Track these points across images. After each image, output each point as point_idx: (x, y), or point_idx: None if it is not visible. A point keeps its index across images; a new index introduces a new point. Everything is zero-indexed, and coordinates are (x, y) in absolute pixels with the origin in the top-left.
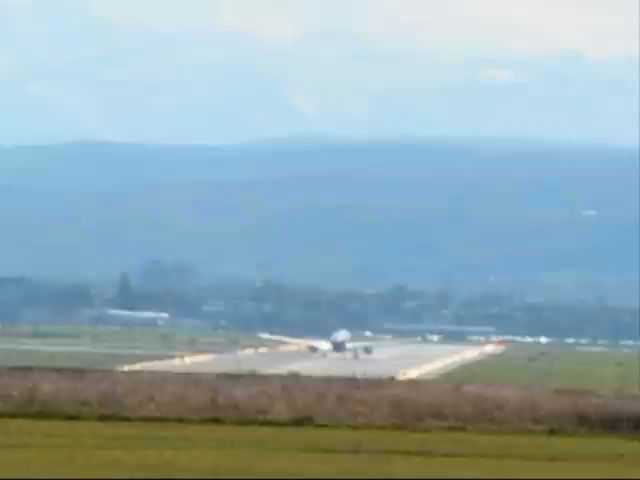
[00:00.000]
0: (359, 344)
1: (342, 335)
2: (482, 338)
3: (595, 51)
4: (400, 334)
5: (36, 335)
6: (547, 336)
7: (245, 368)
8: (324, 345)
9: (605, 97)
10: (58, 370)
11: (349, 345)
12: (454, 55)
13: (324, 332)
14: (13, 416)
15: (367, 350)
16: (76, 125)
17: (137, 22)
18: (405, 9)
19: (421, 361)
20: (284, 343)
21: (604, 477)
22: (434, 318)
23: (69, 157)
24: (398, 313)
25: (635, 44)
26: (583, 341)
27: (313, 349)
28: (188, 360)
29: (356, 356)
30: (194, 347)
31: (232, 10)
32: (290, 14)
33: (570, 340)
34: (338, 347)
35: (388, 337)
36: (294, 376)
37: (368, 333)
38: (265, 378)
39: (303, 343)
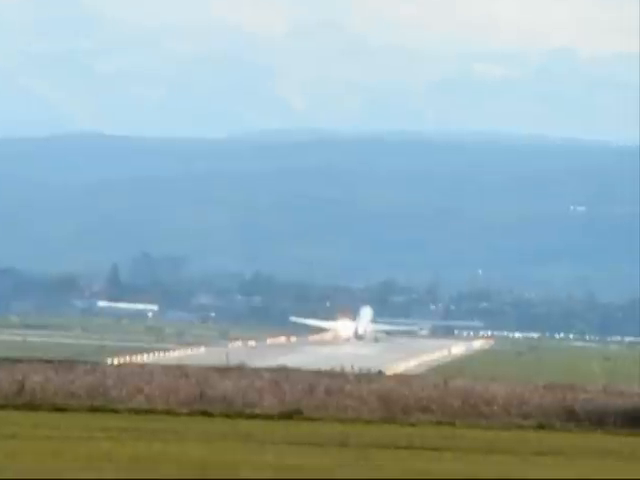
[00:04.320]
0: (380, 327)
1: (366, 314)
2: (471, 333)
3: (587, 47)
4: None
5: (25, 326)
6: (536, 331)
7: (234, 361)
8: (345, 331)
9: (596, 93)
10: (47, 362)
11: (369, 329)
12: (445, 50)
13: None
14: (2, 407)
15: (387, 334)
16: (65, 117)
17: (126, 14)
18: (396, 3)
19: (409, 355)
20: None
21: (592, 472)
22: (423, 313)
23: (58, 148)
24: (387, 307)
25: (626, 40)
26: (572, 336)
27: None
28: (177, 352)
29: (377, 340)
30: (183, 339)
31: (221, 2)
32: (279, 6)
33: (559, 335)
34: (358, 335)
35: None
36: (283, 369)
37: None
38: (254, 371)
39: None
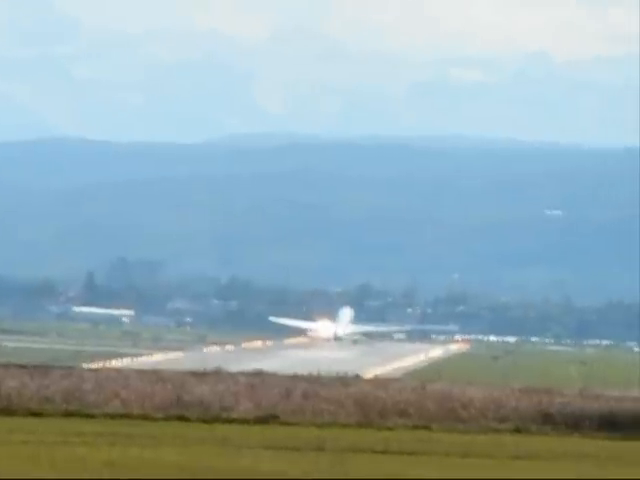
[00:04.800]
0: (360, 328)
1: (345, 314)
2: (447, 337)
3: (562, 51)
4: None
5: (1, 331)
6: (512, 335)
7: (210, 365)
8: (324, 331)
9: (572, 97)
10: (23, 366)
11: (348, 330)
12: (423, 55)
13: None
14: None
15: (365, 336)
16: (43, 122)
17: (106, 20)
18: (374, 8)
19: (386, 359)
20: (292, 328)
21: (568, 476)
22: (400, 317)
23: (36, 154)
24: (364, 311)
25: (602, 45)
26: (548, 340)
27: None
28: (153, 357)
29: (355, 342)
30: (159, 344)
31: (200, 8)
32: (258, 12)
33: (535, 339)
34: (337, 337)
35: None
36: (259, 374)
37: None
38: (230, 376)
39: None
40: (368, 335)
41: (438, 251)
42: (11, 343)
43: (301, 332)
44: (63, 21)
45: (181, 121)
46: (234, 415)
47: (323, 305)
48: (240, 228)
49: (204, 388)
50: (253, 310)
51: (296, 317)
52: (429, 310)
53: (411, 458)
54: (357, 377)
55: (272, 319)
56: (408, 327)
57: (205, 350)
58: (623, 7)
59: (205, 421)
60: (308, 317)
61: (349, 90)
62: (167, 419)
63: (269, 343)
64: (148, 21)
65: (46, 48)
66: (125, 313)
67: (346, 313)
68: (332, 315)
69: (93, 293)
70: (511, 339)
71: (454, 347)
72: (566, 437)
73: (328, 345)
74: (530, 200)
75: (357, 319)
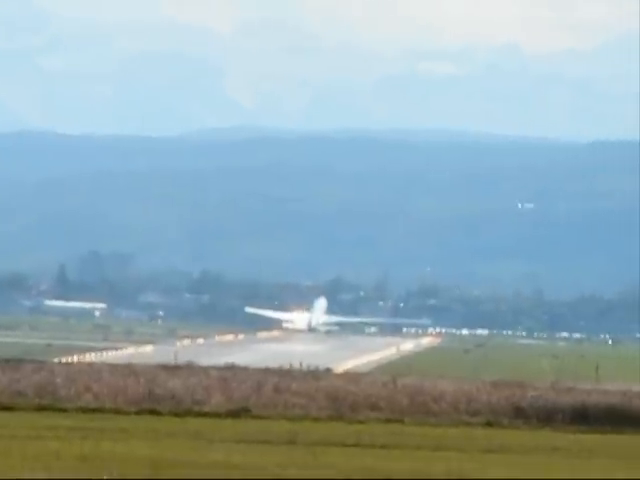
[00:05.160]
0: (334, 319)
1: (321, 304)
2: (419, 330)
3: (532, 44)
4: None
5: None
6: (484, 328)
7: (182, 359)
8: (299, 322)
9: (543, 90)
10: None
11: (323, 320)
12: (393, 48)
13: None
14: None
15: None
16: (13, 114)
17: (75, 12)
18: (343, 2)
19: (357, 353)
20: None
21: (540, 469)
22: (372, 310)
23: (7, 146)
24: (336, 304)
25: (571, 37)
26: (520, 333)
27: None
28: (125, 351)
29: (329, 332)
30: (131, 338)
31: (170, 1)
32: (228, 4)
33: (507, 332)
34: (312, 327)
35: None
36: (231, 367)
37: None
38: (202, 369)
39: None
40: (342, 326)
41: (410, 244)
42: None
43: (276, 323)
44: (33, 13)
45: (152, 114)
46: (206, 409)
47: (295, 298)
48: (212, 222)
49: (176, 382)
50: (225, 304)
51: (270, 309)
52: (401, 303)
53: (383, 451)
54: (329, 371)
55: (248, 309)
56: (381, 319)
57: (177, 344)
58: (593, 0)
59: (177, 415)
60: (282, 309)
61: (319, 83)
62: (139, 413)
63: (241, 337)
64: (119, 13)
65: (15, 40)
66: (97, 306)
67: (322, 303)
68: (307, 307)
69: (65, 286)
70: (483, 332)
71: (426, 340)
72: (538, 430)
73: (300, 338)
74: (502, 193)
75: (329, 312)
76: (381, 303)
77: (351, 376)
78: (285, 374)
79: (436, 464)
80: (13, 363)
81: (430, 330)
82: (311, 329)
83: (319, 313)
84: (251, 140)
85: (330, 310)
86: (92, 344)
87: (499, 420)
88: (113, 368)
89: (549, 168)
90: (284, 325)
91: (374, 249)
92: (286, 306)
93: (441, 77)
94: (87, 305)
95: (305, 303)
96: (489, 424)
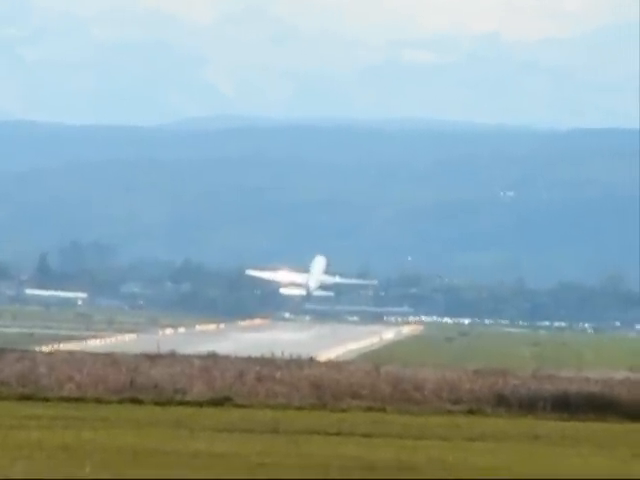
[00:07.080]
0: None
1: (319, 263)
2: (400, 319)
3: (510, 32)
4: (319, 315)
5: None
6: (465, 317)
7: (164, 348)
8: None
9: (522, 78)
10: None
11: (322, 279)
12: (374, 37)
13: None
14: None
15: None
16: None
17: (58, 2)
18: None
19: (340, 341)
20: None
21: (522, 457)
22: (352, 299)
23: None
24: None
25: (551, 25)
26: (501, 322)
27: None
28: (107, 340)
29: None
30: (112, 327)
31: None
32: None
33: (488, 321)
34: (311, 289)
35: (307, 318)
36: (213, 356)
37: (287, 314)
38: (184, 358)
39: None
40: (340, 285)
41: (390, 233)
42: None
43: (275, 286)
44: (12, 2)
45: (133, 104)
46: (188, 397)
47: (275, 289)
48: (193, 211)
49: (158, 371)
50: (206, 293)
51: (247, 302)
52: (382, 293)
53: (365, 440)
54: (311, 359)
55: (248, 272)
56: (364, 307)
57: (159, 333)
58: None
59: (159, 404)
60: (261, 300)
61: (301, 73)
62: (121, 402)
63: (222, 326)
64: (100, 3)
65: None
66: (79, 296)
67: (319, 261)
68: (305, 266)
69: (46, 276)
70: (465, 321)
71: (407, 329)
72: (520, 418)
73: (283, 327)
74: (482, 182)
75: (308, 301)
76: (363, 292)
77: (333, 365)
78: (267, 363)
79: (418, 452)
80: None
81: (411, 319)
82: (310, 291)
83: (318, 273)
84: (233, 130)
85: (312, 300)
86: (74, 333)
87: (481, 408)
88: (95, 357)
89: (529, 156)
90: (281, 291)
91: (355, 238)
92: (262, 301)
93: (423, 66)
94: (69, 294)
95: (301, 266)
96: (471, 412)
